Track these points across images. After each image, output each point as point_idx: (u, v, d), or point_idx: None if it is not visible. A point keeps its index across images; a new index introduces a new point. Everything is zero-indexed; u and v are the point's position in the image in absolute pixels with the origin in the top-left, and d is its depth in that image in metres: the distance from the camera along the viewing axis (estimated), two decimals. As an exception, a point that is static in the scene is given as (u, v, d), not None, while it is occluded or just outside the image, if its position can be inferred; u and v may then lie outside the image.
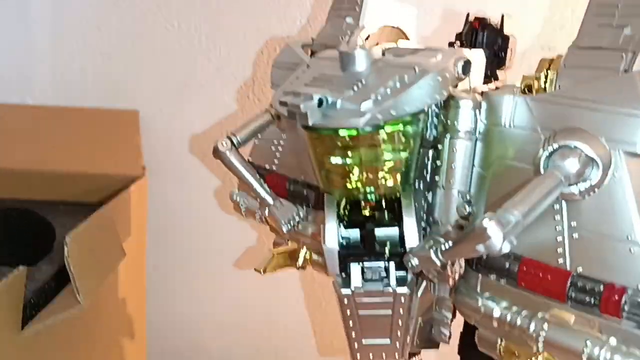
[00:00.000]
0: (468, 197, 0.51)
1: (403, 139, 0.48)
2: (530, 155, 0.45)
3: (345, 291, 0.52)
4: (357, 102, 0.44)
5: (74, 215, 0.94)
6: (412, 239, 0.50)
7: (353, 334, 0.54)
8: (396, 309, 0.52)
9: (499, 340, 0.49)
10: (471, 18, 0.62)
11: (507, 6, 0.63)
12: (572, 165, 0.42)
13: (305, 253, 0.70)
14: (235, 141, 0.60)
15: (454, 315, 0.57)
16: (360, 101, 0.44)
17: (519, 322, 0.45)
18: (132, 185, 0.92)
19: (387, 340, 0.54)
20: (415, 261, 0.48)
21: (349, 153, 0.48)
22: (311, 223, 0.60)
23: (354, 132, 0.46)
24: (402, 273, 0.51)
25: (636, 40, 0.43)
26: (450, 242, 0.45)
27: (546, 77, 0.52)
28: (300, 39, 0.69)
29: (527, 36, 0.65)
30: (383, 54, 0.50)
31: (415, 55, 0.49)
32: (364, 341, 0.54)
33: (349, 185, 0.50)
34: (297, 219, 0.60)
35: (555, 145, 0.43)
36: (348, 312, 0.53)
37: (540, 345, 0.44)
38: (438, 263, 0.47)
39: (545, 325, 0.44)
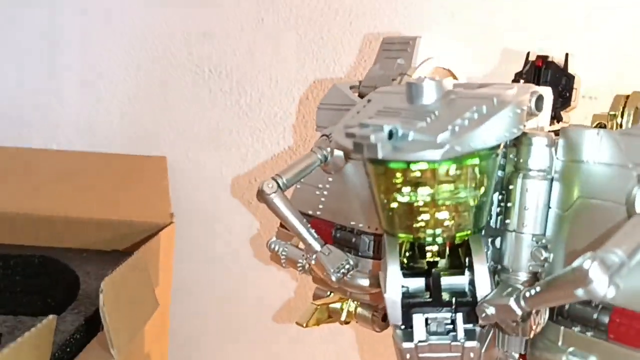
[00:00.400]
0: (544, 241, 0.47)
1: (478, 175, 0.44)
2: (619, 193, 0.42)
3: (407, 345, 0.47)
4: (432, 134, 0.41)
5: (97, 263, 0.90)
6: (484, 287, 0.45)
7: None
8: (464, 366, 0.47)
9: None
10: (532, 57, 0.60)
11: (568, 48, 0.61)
12: (672, 203, 0.39)
13: (349, 306, 0.66)
14: (281, 183, 0.57)
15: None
16: (436, 133, 0.41)
17: (612, 380, 0.41)
18: (161, 232, 0.88)
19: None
20: (491, 310, 0.43)
21: (419, 190, 0.44)
22: (361, 273, 0.56)
23: (427, 166, 0.42)
24: (469, 325, 0.47)
25: None
26: (538, 288, 0.40)
27: (623, 114, 0.50)
28: (347, 80, 0.67)
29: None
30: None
31: (488, 88, 0.46)
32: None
33: (415, 226, 0.46)
34: (347, 267, 0.56)
35: (653, 182, 0.40)
36: (410, 368, 0.48)
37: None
38: (519, 312, 0.42)
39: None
